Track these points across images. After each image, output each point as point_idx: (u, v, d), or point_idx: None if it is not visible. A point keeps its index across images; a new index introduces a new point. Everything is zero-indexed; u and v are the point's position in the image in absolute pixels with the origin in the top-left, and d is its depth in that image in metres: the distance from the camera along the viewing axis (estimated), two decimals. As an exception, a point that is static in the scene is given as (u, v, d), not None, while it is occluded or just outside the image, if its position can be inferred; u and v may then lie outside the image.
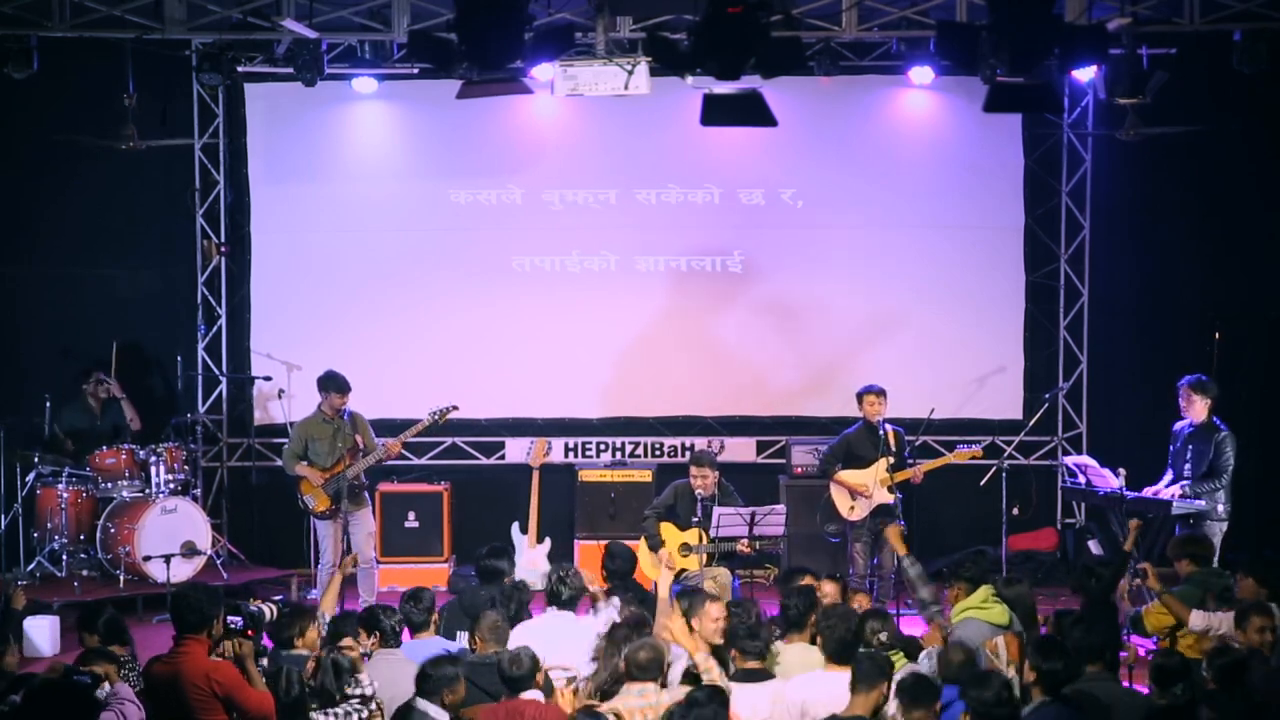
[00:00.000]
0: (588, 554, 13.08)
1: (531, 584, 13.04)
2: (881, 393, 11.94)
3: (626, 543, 10.71)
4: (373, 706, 7.54)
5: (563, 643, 8.29)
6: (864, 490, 11.77)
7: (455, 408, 12.40)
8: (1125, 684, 8.38)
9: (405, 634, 8.58)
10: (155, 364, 14.12)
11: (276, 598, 8.55)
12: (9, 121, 13.46)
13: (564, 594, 8.85)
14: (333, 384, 12.11)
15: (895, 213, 13.99)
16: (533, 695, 7.46)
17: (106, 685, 7.62)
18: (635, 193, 14.05)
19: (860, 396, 12.03)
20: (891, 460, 11.72)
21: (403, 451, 12.40)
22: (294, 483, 12.20)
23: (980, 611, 8.34)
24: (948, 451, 12.87)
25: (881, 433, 11.83)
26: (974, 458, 12.26)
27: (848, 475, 11.92)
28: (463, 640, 8.79)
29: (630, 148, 13.99)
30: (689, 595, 8.36)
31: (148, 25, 12.36)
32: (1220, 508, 11.30)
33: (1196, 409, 11.49)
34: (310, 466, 12.06)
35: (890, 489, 11.69)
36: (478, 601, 9.18)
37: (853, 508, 11.91)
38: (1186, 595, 9.24)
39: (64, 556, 12.69)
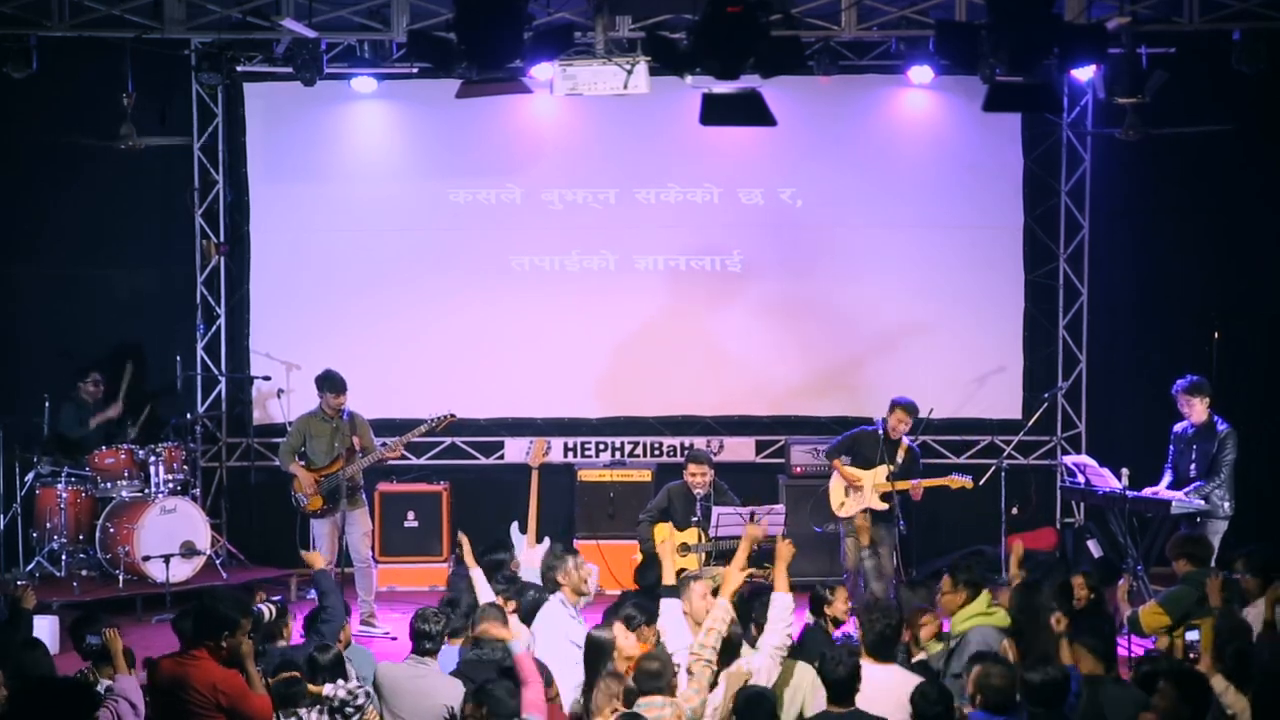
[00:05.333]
0: (586, 553, 13.02)
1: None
2: (911, 411, 11.81)
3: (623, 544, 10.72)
4: (362, 704, 7.55)
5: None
6: (857, 482, 11.74)
7: (453, 416, 12.41)
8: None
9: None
10: (154, 363, 14.11)
11: (275, 598, 8.55)
12: (9, 121, 13.45)
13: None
14: (328, 384, 12.13)
15: (895, 212, 13.98)
16: None
17: (105, 681, 7.62)
18: (635, 192, 14.04)
19: (893, 406, 11.83)
20: (892, 469, 11.68)
21: (403, 452, 12.41)
22: (290, 480, 12.21)
23: (986, 618, 8.52)
24: (949, 453, 12.98)
25: (897, 445, 11.76)
26: (964, 487, 12.11)
27: (849, 468, 11.90)
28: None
29: (630, 147, 13.99)
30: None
31: (147, 25, 12.37)
32: (1225, 506, 11.33)
33: (1196, 411, 11.53)
34: (305, 467, 12.07)
35: (883, 496, 11.67)
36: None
37: (843, 504, 11.91)
38: (1182, 595, 9.25)
39: (63, 556, 12.69)
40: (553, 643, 8.39)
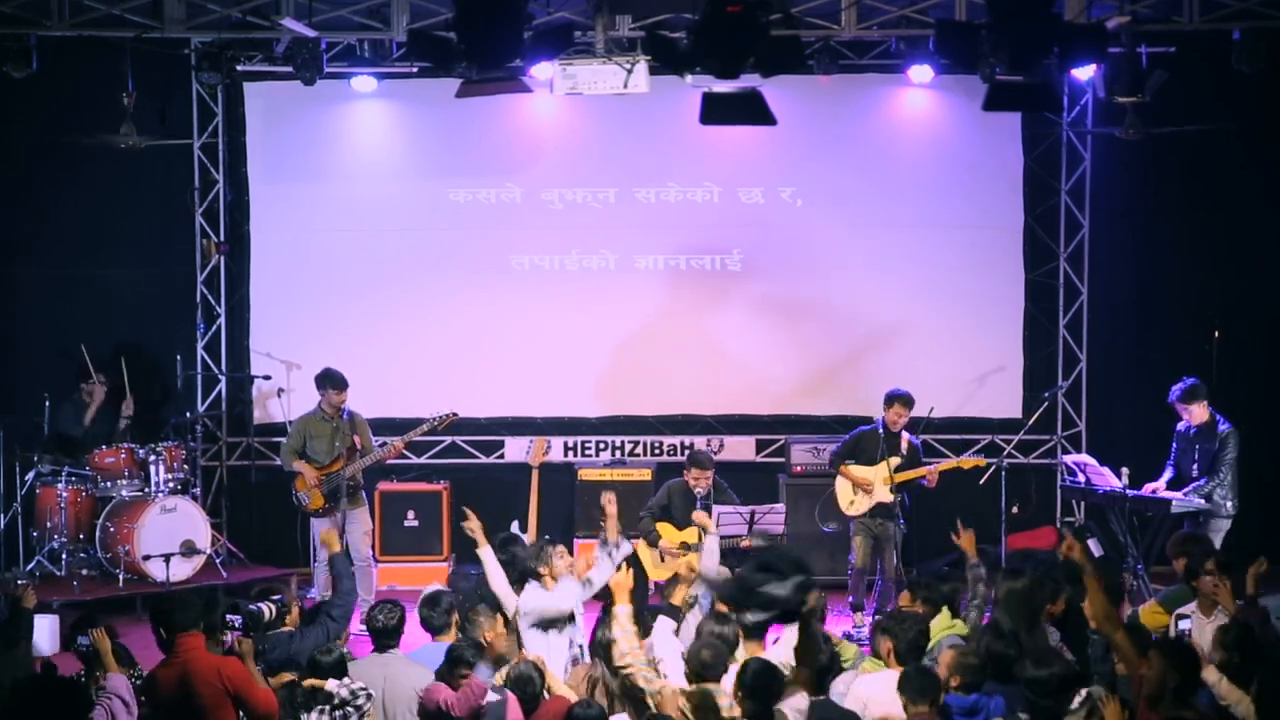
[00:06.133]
0: (587, 553, 13.04)
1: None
2: (908, 403, 11.83)
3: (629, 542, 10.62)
4: (363, 705, 7.55)
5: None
6: (867, 484, 11.79)
7: (455, 415, 12.41)
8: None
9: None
10: (154, 363, 14.11)
11: (275, 597, 8.54)
12: (9, 121, 13.45)
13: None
14: (329, 381, 12.15)
15: (895, 212, 13.98)
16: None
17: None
18: (634, 191, 14.05)
19: (890, 400, 11.87)
20: (897, 461, 11.69)
21: (402, 451, 12.42)
22: (290, 480, 12.22)
23: (951, 628, 8.55)
24: (950, 452, 13.02)
25: (898, 438, 11.78)
26: (977, 466, 12.16)
27: (854, 469, 11.92)
28: None
29: (630, 147, 13.99)
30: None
31: (147, 24, 12.37)
32: (1227, 505, 11.35)
33: (1195, 414, 11.59)
34: (307, 464, 12.08)
35: (892, 489, 11.68)
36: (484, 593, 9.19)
37: (852, 502, 11.93)
38: (1182, 594, 9.25)
39: (63, 556, 12.68)
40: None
